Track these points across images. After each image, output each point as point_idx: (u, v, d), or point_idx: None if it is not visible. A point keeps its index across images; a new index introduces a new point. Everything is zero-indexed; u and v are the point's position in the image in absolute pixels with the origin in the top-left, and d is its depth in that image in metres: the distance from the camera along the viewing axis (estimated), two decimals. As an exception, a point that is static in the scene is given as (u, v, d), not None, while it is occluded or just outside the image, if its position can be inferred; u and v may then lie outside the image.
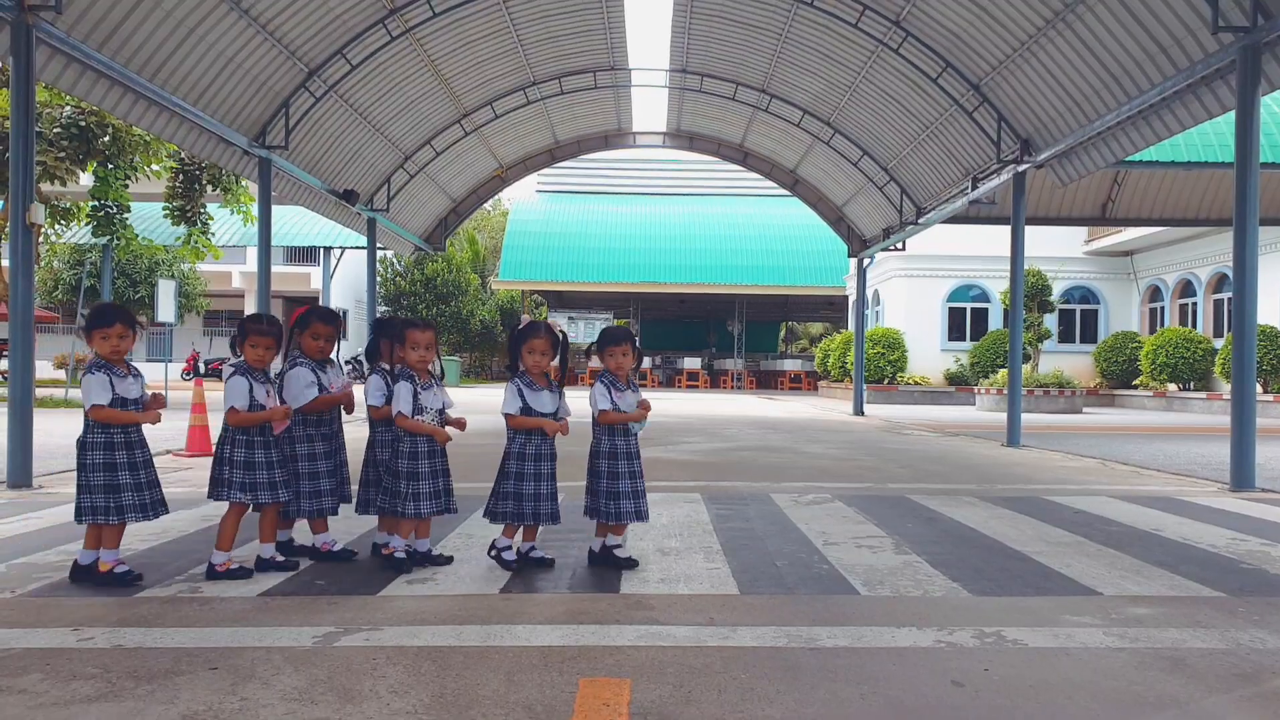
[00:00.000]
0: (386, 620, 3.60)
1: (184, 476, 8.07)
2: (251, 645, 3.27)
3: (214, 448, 4.51)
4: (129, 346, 4.18)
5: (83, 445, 4.12)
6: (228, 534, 4.35)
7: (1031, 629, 3.56)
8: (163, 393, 4.48)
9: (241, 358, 4.45)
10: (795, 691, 2.87)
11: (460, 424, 4.71)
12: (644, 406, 4.54)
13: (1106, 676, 3.03)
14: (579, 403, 4.86)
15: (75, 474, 4.18)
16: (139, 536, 5.27)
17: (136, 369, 4.32)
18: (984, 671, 3.07)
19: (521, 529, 4.50)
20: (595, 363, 34.73)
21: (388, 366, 4.71)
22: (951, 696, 2.84)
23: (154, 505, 4.20)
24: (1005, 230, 13.12)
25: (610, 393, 4.47)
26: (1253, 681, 3.01)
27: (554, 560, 4.60)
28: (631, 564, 4.50)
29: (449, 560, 4.62)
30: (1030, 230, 14.14)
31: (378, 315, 4.60)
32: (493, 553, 4.52)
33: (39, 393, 19.52)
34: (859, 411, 20.11)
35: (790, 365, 40.74)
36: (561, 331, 4.53)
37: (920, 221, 16.63)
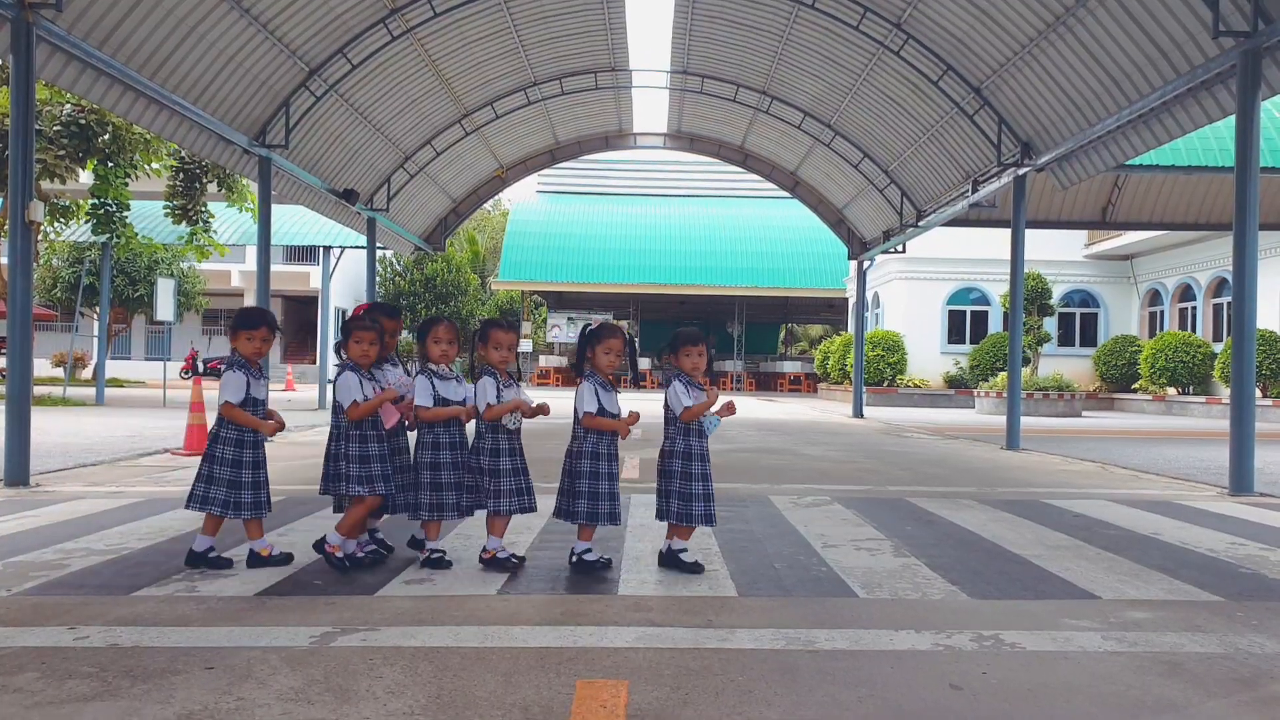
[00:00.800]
0: (384, 620, 3.59)
1: (182, 475, 8.06)
2: (248, 645, 3.26)
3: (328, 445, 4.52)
4: (268, 350, 4.46)
5: (214, 437, 4.37)
6: (353, 522, 4.43)
7: (1030, 632, 3.55)
8: (281, 418, 4.62)
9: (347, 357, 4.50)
10: (793, 694, 2.86)
11: (544, 409, 4.59)
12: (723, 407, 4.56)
13: (1104, 680, 3.03)
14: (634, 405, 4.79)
15: (199, 462, 4.42)
16: (136, 535, 5.27)
17: (264, 373, 4.55)
18: (982, 675, 3.06)
19: (579, 529, 4.48)
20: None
21: (434, 367, 4.59)
22: (950, 700, 2.84)
23: (268, 503, 4.48)
24: (1005, 233, 13.12)
25: (689, 392, 4.45)
26: (1251, 686, 3.00)
27: (610, 560, 4.61)
28: (698, 569, 4.43)
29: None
30: (1030, 233, 14.13)
31: (429, 317, 4.53)
32: (573, 559, 4.48)
33: (37, 391, 19.52)
34: (858, 414, 20.11)
35: (790, 367, 40.73)
36: (631, 334, 4.55)
37: (921, 224, 16.63)
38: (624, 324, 42.43)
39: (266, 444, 4.58)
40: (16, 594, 3.96)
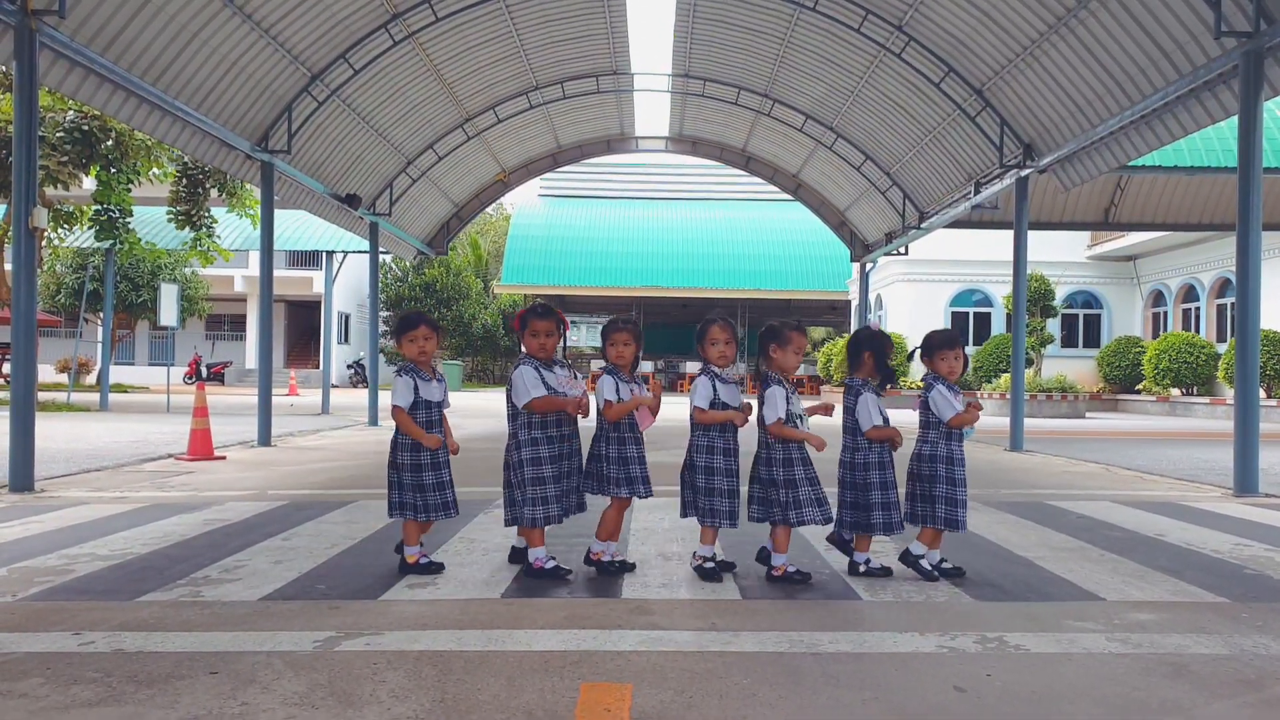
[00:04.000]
0: (387, 625, 3.59)
1: (185, 480, 8.07)
2: (252, 650, 3.26)
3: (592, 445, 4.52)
4: (433, 348, 4.47)
5: (394, 444, 4.42)
6: (611, 525, 4.45)
7: (1034, 634, 3.55)
8: (453, 442, 4.57)
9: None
10: (797, 697, 2.86)
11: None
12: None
13: (1109, 682, 3.02)
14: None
15: (386, 471, 4.49)
16: (140, 540, 5.27)
17: (441, 373, 4.56)
18: (986, 677, 3.06)
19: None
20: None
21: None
22: (954, 702, 2.83)
23: (454, 504, 4.48)
24: (1008, 235, 13.11)
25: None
26: (1256, 688, 2.99)
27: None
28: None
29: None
30: (1033, 235, 14.13)
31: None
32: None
33: (41, 396, 19.55)
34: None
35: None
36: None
37: (923, 226, 16.62)
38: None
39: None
40: (21, 599, 3.96)
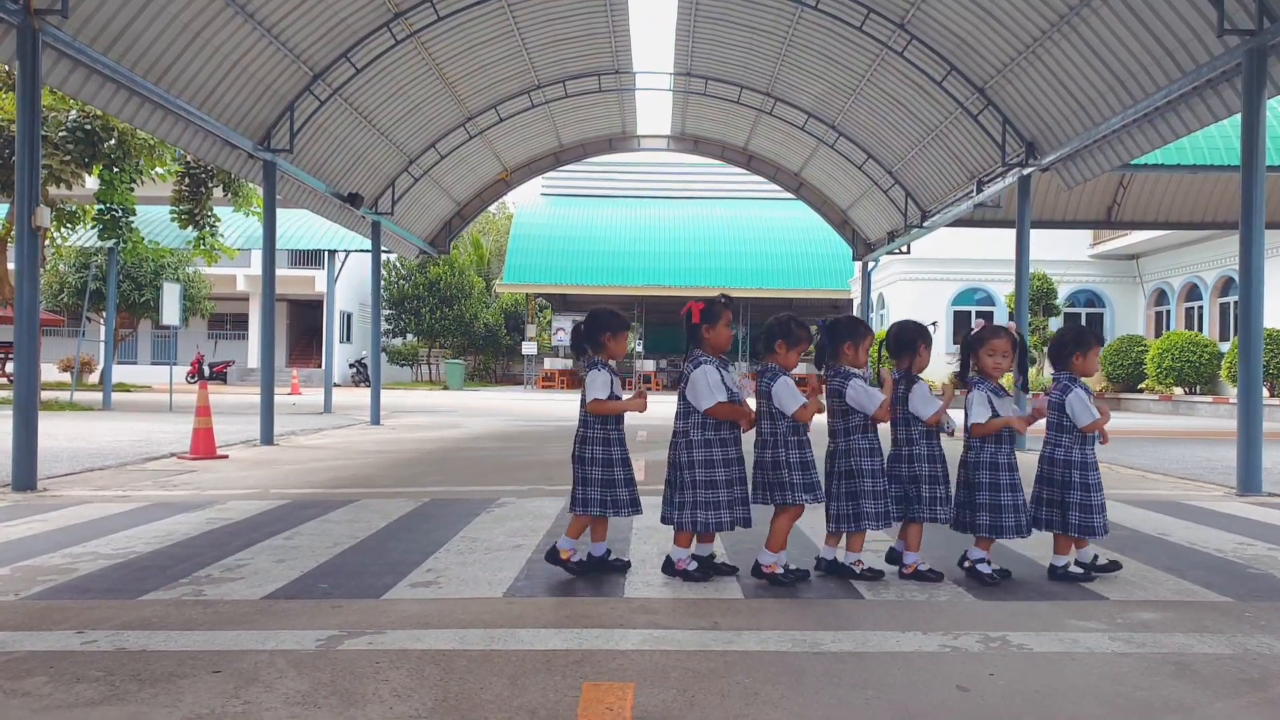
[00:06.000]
0: (390, 624, 3.59)
1: (188, 479, 8.08)
2: (255, 648, 3.26)
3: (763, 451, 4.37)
4: (623, 350, 4.49)
5: (582, 440, 4.41)
6: (784, 532, 4.34)
7: (1037, 634, 3.54)
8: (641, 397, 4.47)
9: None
10: (799, 696, 2.86)
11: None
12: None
13: (1112, 682, 3.02)
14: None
15: (572, 467, 4.45)
16: (143, 539, 5.28)
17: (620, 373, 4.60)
18: (989, 676, 3.06)
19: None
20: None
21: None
22: (957, 701, 2.83)
23: (637, 501, 4.43)
24: (1010, 233, 13.08)
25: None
26: (1260, 687, 2.99)
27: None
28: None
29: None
30: (1035, 233, 14.11)
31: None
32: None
33: (44, 395, 19.57)
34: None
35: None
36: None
37: (925, 225, 16.60)
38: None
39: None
40: (25, 598, 3.97)
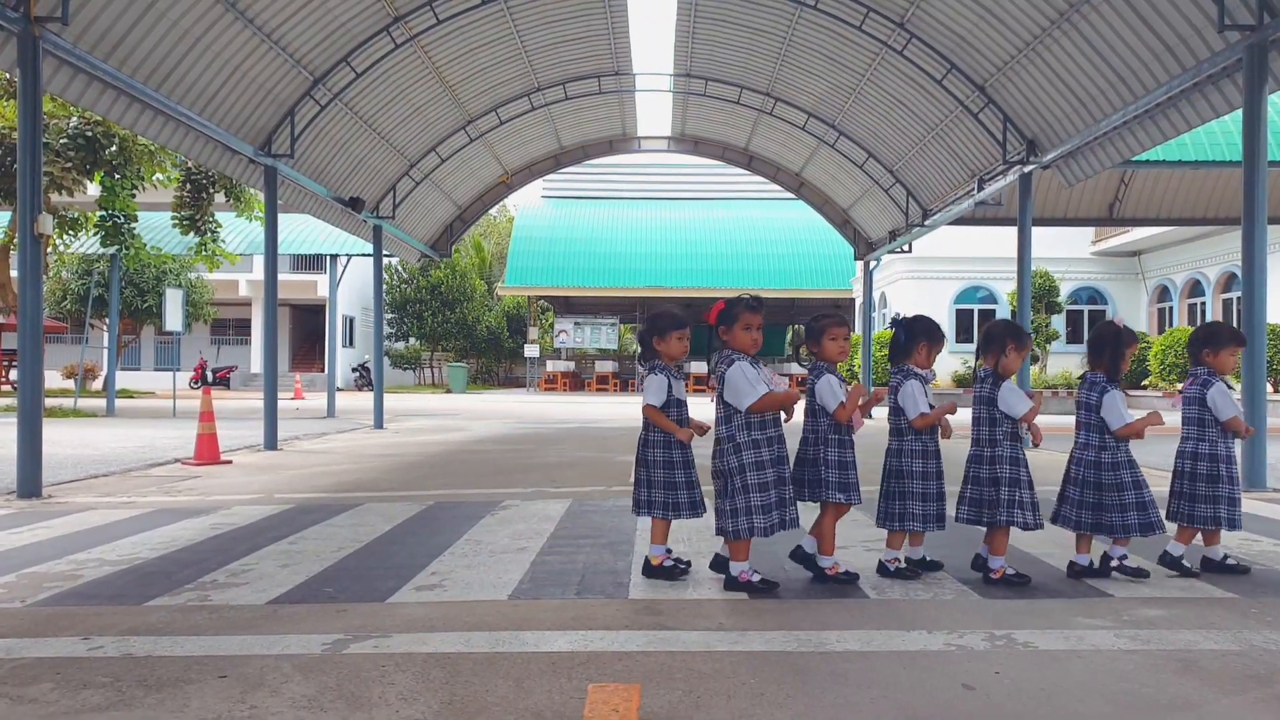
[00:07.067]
0: (395, 627, 3.59)
1: (192, 485, 8.09)
2: (260, 653, 3.27)
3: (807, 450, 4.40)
4: (683, 350, 4.41)
5: (644, 442, 4.38)
6: (831, 532, 4.35)
7: (1042, 631, 3.54)
8: (702, 423, 4.44)
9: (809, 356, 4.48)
10: (805, 696, 2.85)
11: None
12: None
13: (1118, 679, 3.01)
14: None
15: (634, 470, 4.45)
16: (148, 545, 5.28)
17: (683, 373, 4.54)
18: (995, 674, 3.05)
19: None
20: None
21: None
22: (962, 700, 2.83)
23: (701, 503, 4.38)
24: (1012, 231, 13.09)
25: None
26: (1266, 683, 2.98)
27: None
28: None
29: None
30: (1037, 231, 14.09)
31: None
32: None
33: (48, 403, 19.59)
34: (867, 415, 20.02)
35: (798, 369, 40.66)
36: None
37: (926, 223, 16.59)
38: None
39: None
40: (31, 605, 3.98)
